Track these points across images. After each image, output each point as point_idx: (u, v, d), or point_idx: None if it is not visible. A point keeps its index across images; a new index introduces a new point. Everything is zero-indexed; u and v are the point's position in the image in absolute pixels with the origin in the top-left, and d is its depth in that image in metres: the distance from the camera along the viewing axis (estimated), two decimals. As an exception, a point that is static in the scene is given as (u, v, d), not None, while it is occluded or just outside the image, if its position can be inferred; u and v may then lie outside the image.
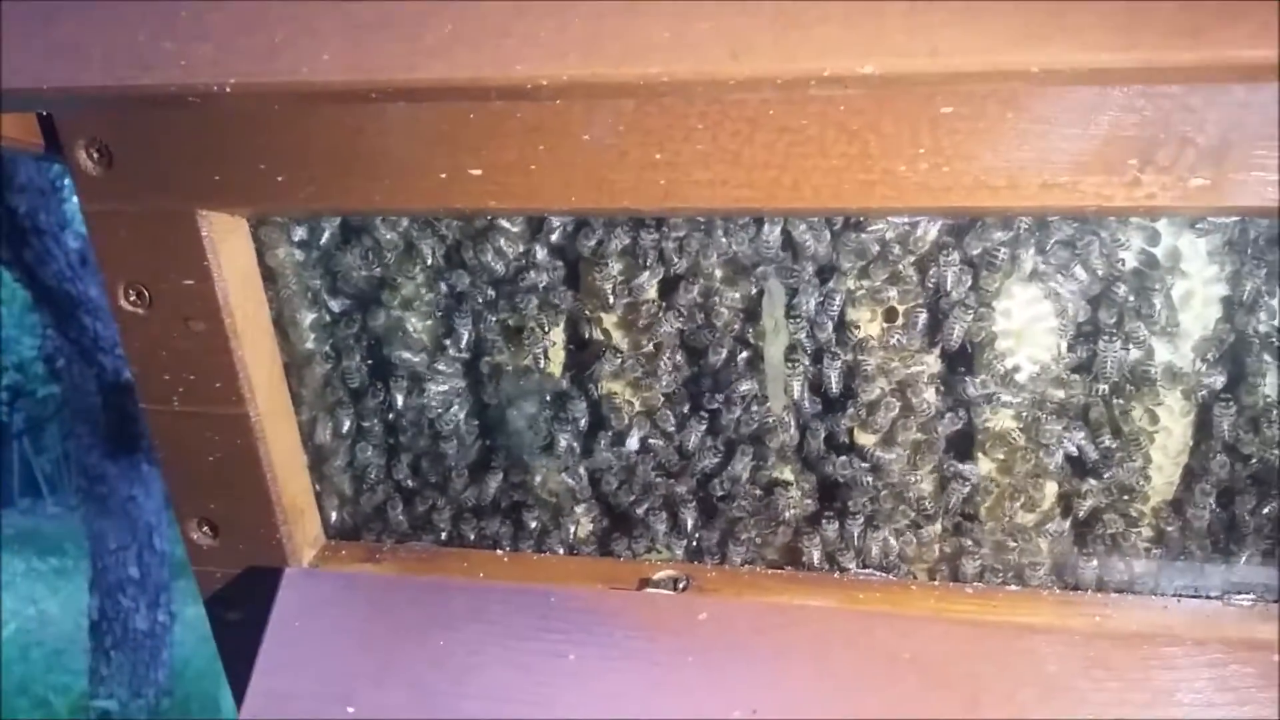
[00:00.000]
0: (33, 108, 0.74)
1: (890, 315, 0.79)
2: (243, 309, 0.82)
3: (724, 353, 0.81)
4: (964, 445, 0.82)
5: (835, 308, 0.78)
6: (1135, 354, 0.75)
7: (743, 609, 0.81)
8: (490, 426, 0.89)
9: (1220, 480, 0.77)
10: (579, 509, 0.89)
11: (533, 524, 0.89)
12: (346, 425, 0.89)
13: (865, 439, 0.82)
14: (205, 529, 0.89)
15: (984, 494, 0.81)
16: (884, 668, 0.76)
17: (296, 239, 0.84)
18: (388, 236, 0.82)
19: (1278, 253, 0.71)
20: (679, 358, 0.83)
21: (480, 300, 0.84)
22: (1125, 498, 0.79)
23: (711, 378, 0.83)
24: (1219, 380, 0.75)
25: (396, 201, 0.75)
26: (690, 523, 0.87)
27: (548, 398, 0.86)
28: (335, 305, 0.87)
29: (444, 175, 0.72)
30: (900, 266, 0.77)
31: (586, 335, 0.85)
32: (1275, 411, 0.75)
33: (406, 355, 0.86)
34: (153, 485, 4.25)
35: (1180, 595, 0.80)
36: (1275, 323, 0.73)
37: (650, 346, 0.83)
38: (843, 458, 0.82)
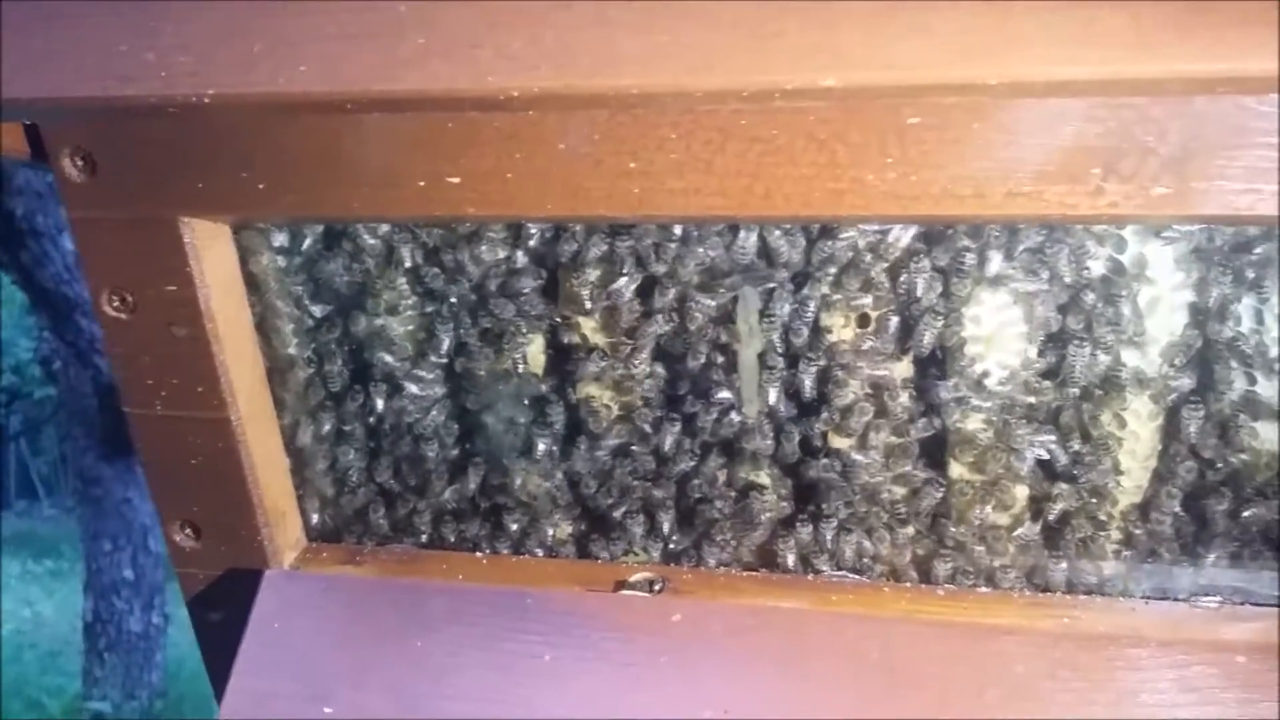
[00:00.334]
0: (17, 117, 0.75)
1: (863, 321, 0.80)
2: (225, 314, 0.83)
3: (699, 357, 0.82)
4: (937, 449, 0.83)
5: (809, 313, 0.79)
6: (1103, 359, 0.76)
7: (716, 610, 0.82)
8: (470, 430, 0.90)
9: (1187, 484, 0.79)
10: (557, 512, 0.90)
11: (512, 526, 0.91)
12: (327, 429, 0.90)
13: (839, 443, 0.83)
14: (188, 531, 0.90)
15: (956, 497, 0.83)
16: (854, 668, 0.77)
17: (279, 245, 0.85)
18: (369, 242, 0.83)
19: (1243, 259, 0.73)
20: (657, 366, 0.84)
21: (460, 305, 0.85)
22: (1094, 501, 0.80)
23: (687, 382, 0.84)
24: (1186, 385, 0.76)
25: (376, 209, 0.76)
26: (666, 526, 0.88)
27: (526, 401, 0.87)
28: (317, 310, 0.88)
29: (422, 183, 0.73)
30: (873, 273, 0.78)
31: (565, 340, 0.86)
32: (1241, 416, 0.76)
33: (387, 359, 0.87)
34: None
35: (1148, 597, 0.82)
36: (1241, 328, 0.74)
37: (627, 351, 0.83)
38: (817, 461, 0.83)
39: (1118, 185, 0.64)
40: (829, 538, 0.85)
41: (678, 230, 0.79)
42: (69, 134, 0.76)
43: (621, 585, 0.86)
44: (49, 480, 10.33)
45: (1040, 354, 0.77)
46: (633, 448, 0.87)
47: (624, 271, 0.81)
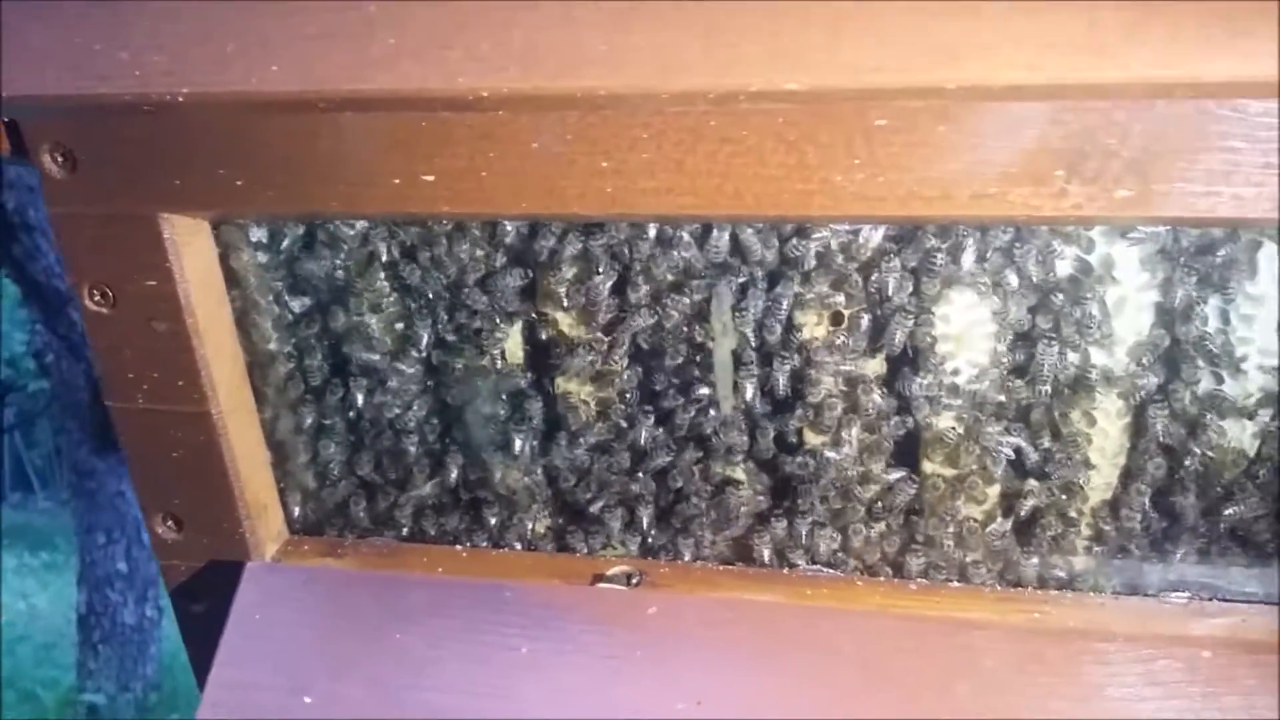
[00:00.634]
0: (-4, 113, 0.76)
1: (836, 319, 0.81)
2: (205, 309, 0.83)
3: (674, 354, 0.83)
4: (911, 446, 0.84)
5: (783, 311, 0.80)
6: (1072, 358, 0.77)
7: (691, 604, 0.83)
8: (449, 425, 0.91)
9: (1155, 481, 0.80)
10: (536, 506, 0.91)
11: (491, 520, 0.91)
12: (308, 423, 0.91)
13: (814, 439, 0.84)
14: (170, 523, 0.91)
15: (929, 493, 0.84)
16: (826, 661, 0.78)
17: (258, 241, 0.86)
18: (348, 237, 0.84)
19: (1208, 260, 0.73)
20: (633, 363, 0.85)
21: (438, 301, 0.86)
22: (1064, 498, 0.81)
23: (663, 378, 0.85)
24: (1153, 383, 0.77)
25: (352, 206, 0.77)
26: (644, 520, 0.89)
27: (505, 397, 0.88)
28: (296, 305, 0.88)
29: (398, 181, 0.74)
30: (845, 272, 0.78)
31: (543, 336, 0.87)
32: (1209, 414, 0.77)
33: (366, 355, 0.88)
34: (141, 480, 4.25)
35: (1118, 593, 0.83)
36: (1207, 328, 0.75)
37: (604, 347, 0.84)
38: (792, 457, 0.84)
39: (1081, 187, 0.65)
40: (804, 533, 0.86)
41: (652, 229, 0.79)
42: (48, 131, 0.76)
43: (599, 579, 0.87)
44: (44, 473, 10.34)
45: (1010, 352, 0.78)
46: (610, 443, 0.88)
47: (599, 269, 0.81)
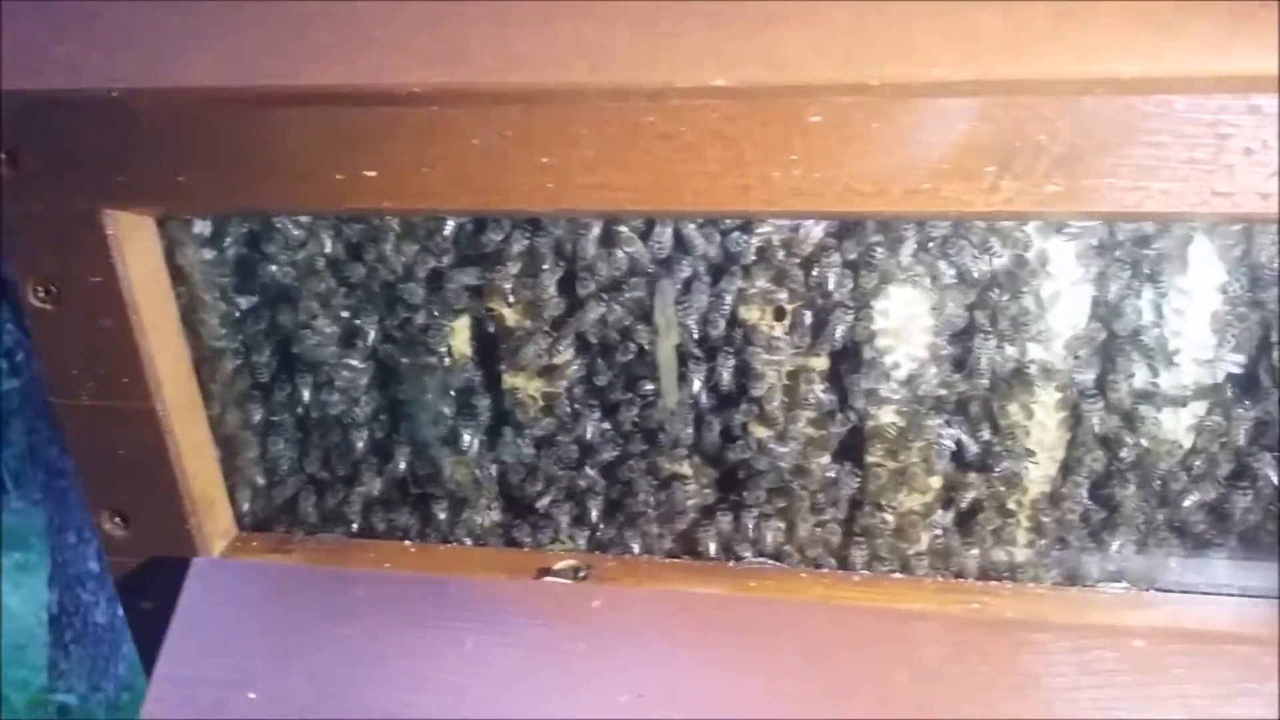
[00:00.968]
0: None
1: (779, 314, 0.82)
2: (149, 305, 0.83)
3: (619, 349, 0.84)
4: (854, 439, 0.85)
5: (726, 306, 0.81)
6: (1009, 352, 0.78)
7: (635, 597, 0.84)
8: (396, 420, 0.91)
9: (1093, 473, 0.81)
10: (484, 501, 0.91)
11: (439, 516, 0.92)
12: (255, 419, 0.91)
13: (759, 433, 0.85)
14: (117, 520, 0.91)
15: (871, 486, 0.84)
16: (766, 652, 0.79)
17: (204, 236, 0.86)
18: (293, 234, 0.84)
19: (1140, 254, 0.74)
20: (579, 358, 0.86)
21: (385, 297, 0.86)
22: (1004, 490, 0.82)
23: (609, 373, 0.85)
24: (1090, 376, 0.78)
25: (295, 202, 0.77)
26: (591, 514, 0.89)
27: (452, 392, 0.88)
28: (242, 301, 0.88)
29: (340, 176, 0.74)
30: (787, 267, 0.79)
31: (490, 331, 0.87)
32: (1144, 407, 0.78)
33: (312, 351, 0.88)
34: (111, 478, 4.22)
35: (1058, 584, 0.84)
36: (1141, 321, 0.76)
37: (550, 342, 0.85)
38: (736, 451, 0.85)
39: (1011, 182, 0.65)
40: (749, 526, 0.87)
41: (596, 224, 0.80)
42: (-11, 127, 0.76)
43: (545, 573, 0.87)
44: (17, 473, 10.26)
45: (948, 346, 0.79)
46: (557, 438, 0.88)
47: (544, 266, 0.82)
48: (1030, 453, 0.82)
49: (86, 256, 0.80)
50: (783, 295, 0.81)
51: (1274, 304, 0.74)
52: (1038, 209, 0.66)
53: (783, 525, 0.86)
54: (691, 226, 0.79)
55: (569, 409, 0.87)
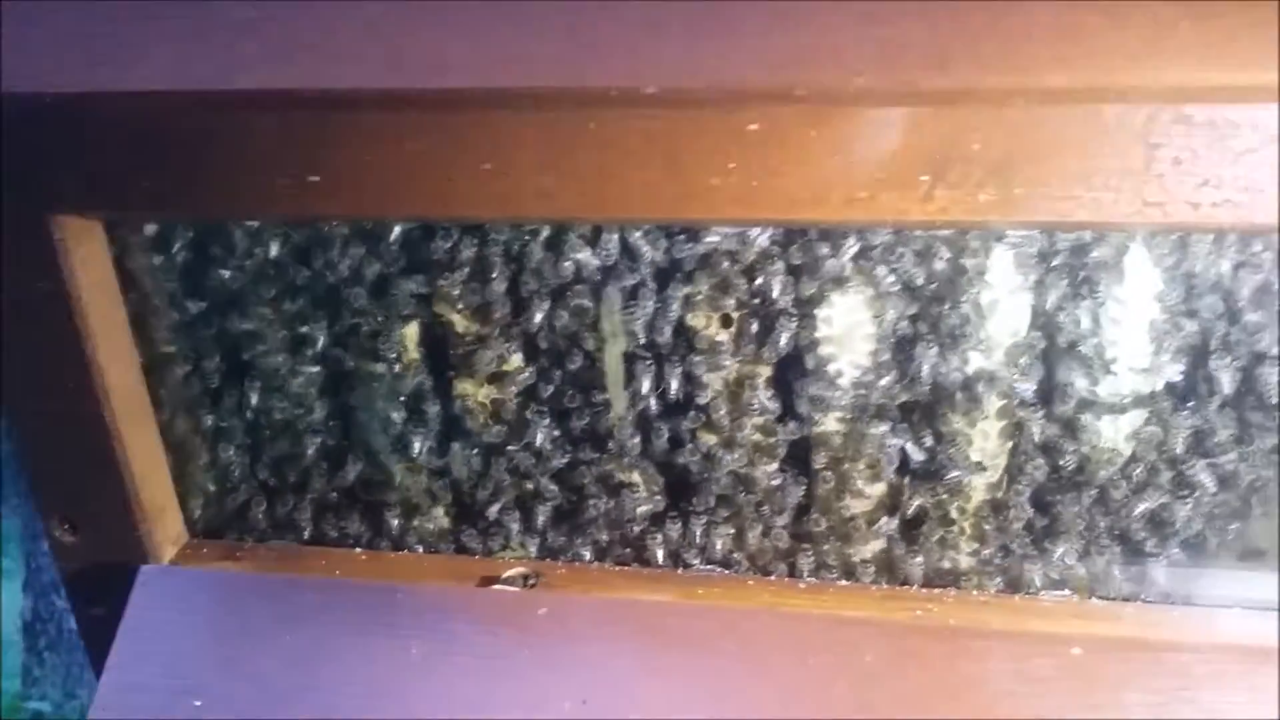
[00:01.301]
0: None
1: (726, 321, 0.82)
2: (97, 311, 0.83)
3: (567, 356, 0.84)
4: (801, 446, 0.85)
5: (672, 313, 0.81)
6: (950, 359, 0.78)
7: (581, 604, 0.84)
8: (346, 427, 0.91)
9: (1035, 481, 0.81)
10: (434, 508, 0.91)
11: (390, 523, 0.92)
12: (205, 425, 0.91)
13: (707, 440, 0.85)
14: (66, 526, 0.90)
15: (817, 493, 0.85)
16: (710, 658, 0.79)
17: (152, 242, 0.86)
18: (240, 239, 0.84)
19: (1077, 264, 0.75)
20: (528, 365, 0.86)
21: (333, 303, 0.86)
22: (947, 497, 0.83)
23: (557, 380, 0.86)
24: (1031, 384, 0.79)
25: (240, 207, 0.77)
26: (541, 522, 0.90)
27: (401, 399, 0.88)
28: (191, 307, 0.88)
29: (284, 182, 0.74)
30: (732, 275, 0.79)
31: (439, 338, 0.87)
32: (1085, 415, 0.79)
33: (260, 357, 0.88)
34: (86, 487, 4.21)
35: (1000, 591, 0.84)
36: (1080, 329, 0.77)
37: (499, 349, 0.85)
38: (685, 458, 0.85)
39: (946, 191, 0.66)
40: (697, 533, 0.87)
41: (544, 231, 0.80)
42: (-71, 133, 0.76)
43: (492, 580, 0.87)
44: (-4, 480, 10.19)
45: (890, 354, 0.79)
46: (506, 445, 0.88)
47: (493, 273, 0.82)
48: (979, 465, 0.82)
49: (32, 262, 0.80)
50: (729, 302, 0.81)
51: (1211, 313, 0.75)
52: (972, 217, 0.66)
53: (730, 533, 0.87)
54: (638, 234, 0.79)
55: (518, 416, 0.87)
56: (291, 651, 0.83)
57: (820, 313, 0.79)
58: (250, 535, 0.95)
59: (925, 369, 0.78)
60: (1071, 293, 0.76)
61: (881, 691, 0.76)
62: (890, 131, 0.65)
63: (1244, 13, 0.55)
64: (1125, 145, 0.63)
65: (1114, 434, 0.79)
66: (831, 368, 0.80)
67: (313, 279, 0.85)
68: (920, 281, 0.77)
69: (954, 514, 0.83)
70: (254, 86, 0.65)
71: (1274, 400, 0.76)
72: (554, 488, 0.89)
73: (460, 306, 0.84)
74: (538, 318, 0.83)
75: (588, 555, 0.90)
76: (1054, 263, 0.76)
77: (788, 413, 0.83)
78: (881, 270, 0.76)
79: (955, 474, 0.82)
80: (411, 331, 0.87)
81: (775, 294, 0.79)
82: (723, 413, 0.83)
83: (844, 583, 0.86)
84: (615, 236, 0.80)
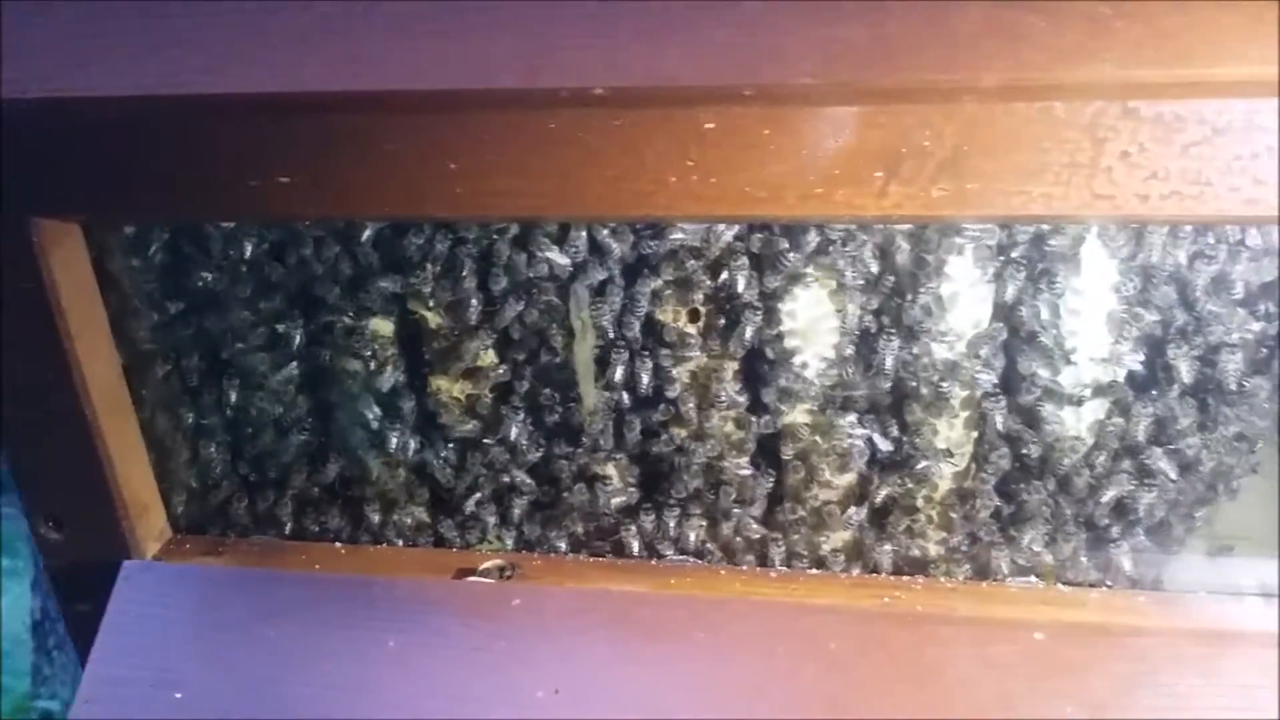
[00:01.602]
0: None
1: (694, 316, 0.83)
2: (77, 312, 0.84)
3: (538, 352, 0.85)
4: (769, 438, 0.86)
5: (640, 309, 0.82)
6: (913, 351, 0.79)
7: (555, 595, 0.85)
8: (325, 423, 0.93)
9: (999, 469, 0.82)
10: (412, 502, 0.93)
11: (369, 517, 0.93)
12: (186, 423, 0.93)
13: (677, 432, 0.86)
14: (51, 524, 0.92)
15: (786, 484, 0.86)
16: (681, 647, 0.80)
17: (131, 243, 0.87)
18: (217, 236, 0.86)
19: (1036, 256, 0.76)
20: (501, 360, 0.87)
21: (309, 301, 0.87)
22: (914, 487, 0.84)
23: (529, 375, 0.87)
24: (994, 375, 0.80)
25: (213, 209, 0.79)
26: (517, 514, 0.91)
27: (378, 395, 0.90)
28: (170, 307, 0.90)
29: (255, 184, 0.75)
30: (698, 270, 0.81)
31: (414, 335, 0.88)
32: (1048, 405, 0.80)
33: (238, 355, 0.89)
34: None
35: (968, 579, 0.85)
36: (1039, 321, 0.78)
37: (472, 345, 0.86)
38: (657, 451, 0.87)
39: (900, 187, 0.67)
40: (670, 525, 0.89)
41: (513, 229, 0.82)
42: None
43: (468, 573, 0.89)
44: (6, 479, 10.24)
45: (854, 346, 0.81)
46: (481, 439, 0.89)
47: (464, 271, 0.83)
48: (949, 453, 0.83)
49: (12, 264, 0.82)
50: (697, 297, 0.82)
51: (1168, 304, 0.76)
52: (926, 212, 0.68)
53: (702, 523, 0.88)
54: (605, 231, 0.80)
55: (492, 411, 0.89)
56: (271, 645, 0.84)
57: (785, 306, 0.80)
58: (233, 531, 0.96)
59: (888, 361, 0.79)
60: (1030, 285, 0.77)
61: (847, 677, 0.77)
62: (843, 129, 0.66)
63: (1180, 12, 0.56)
64: (1074, 140, 0.64)
65: (1076, 422, 0.80)
66: (797, 360, 0.81)
67: (287, 277, 0.87)
68: (879, 276, 0.78)
69: (922, 502, 0.84)
70: (222, 91, 0.66)
71: (1232, 387, 0.77)
72: (528, 481, 0.90)
73: (432, 304, 0.85)
74: (506, 314, 0.84)
75: (564, 546, 0.92)
76: (1011, 256, 0.77)
77: (757, 404, 0.84)
78: (842, 264, 0.77)
79: (921, 463, 0.83)
80: (386, 328, 0.88)
81: (740, 288, 0.80)
82: (691, 405, 0.84)
83: (814, 571, 0.87)
84: (583, 233, 0.81)
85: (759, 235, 0.78)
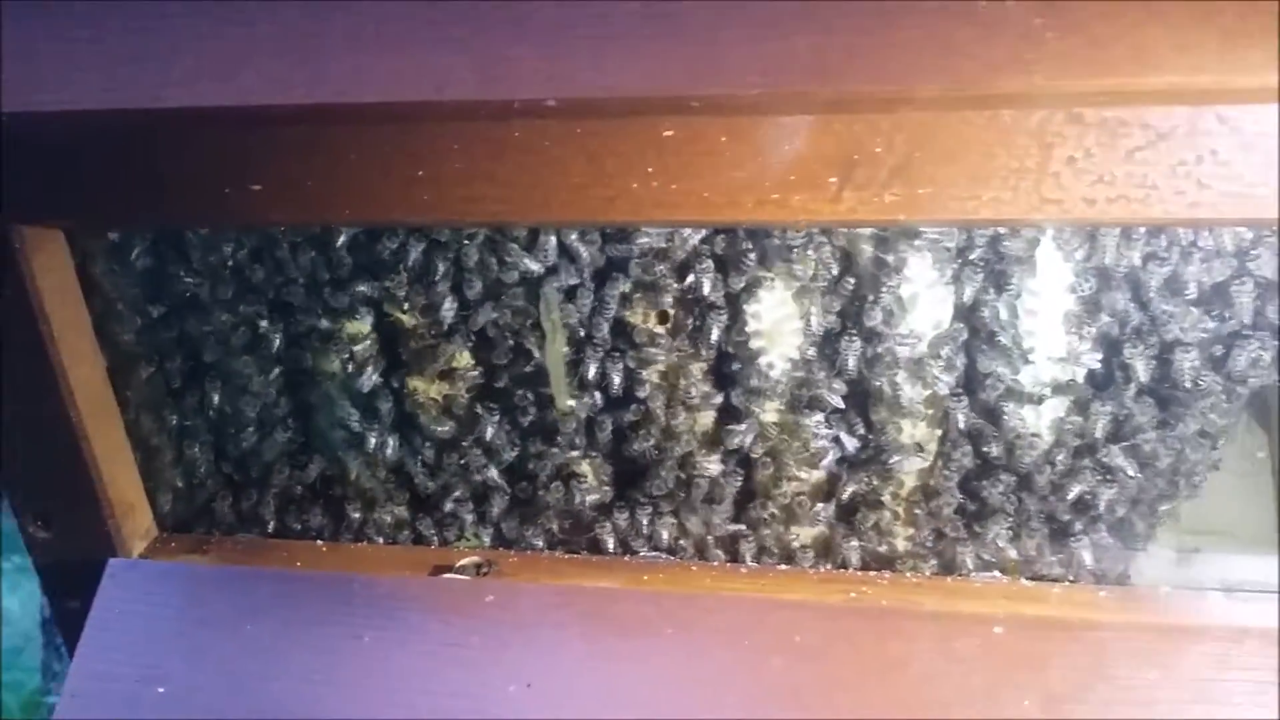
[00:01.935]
0: None
1: (663, 317, 0.85)
2: (60, 316, 0.87)
3: (511, 354, 0.87)
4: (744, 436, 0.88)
5: (610, 311, 0.84)
6: (876, 351, 0.81)
7: (528, 591, 0.87)
8: (304, 424, 0.95)
9: (962, 466, 0.84)
10: (391, 500, 0.95)
11: (349, 516, 0.95)
12: (170, 424, 0.95)
13: (649, 432, 0.88)
14: (39, 523, 0.94)
15: (755, 481, 0.88)
16: (650, 641, 0.82)
17: (112, 248, 0.89)
18: (195, 242, 0.88)
19: (992, 258, 0.78)
20: (476, 362, 0.89)
21: (287, 305, 0.89)
22: (880, 484, 0.85)
23: (503, 376, 0.89)
24: (955, 374, 0.81)
25: (188, 216, 0.81)
26: (494, 512, 0.93)
27: (357, 396, 0.92)
28: (153, 311, 0.92)
29: (228, 191, 0.77)
30: (666, 273, 0.82)
31: (391, 337, 0.90)
32: (1009, 404, 0.82)
33: (219, 358, 0.91)
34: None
35: (935, 574, 0.87)
36: (998, 321, 0.79)
37: (447, 347, 0.88)
38: (630, 450, 0.88)
39: (853, 192, 0.69)
40: (644, 522, 0.90)
41: (481, 234, 0.83)
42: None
43: (445, 569, 0.91)
44: (17, 475, 10.28)
45: (817, 347, 0.82)
46: (457, 439, 0.91)
47: (436, 275, 0.85)
48: (919, 448, 0.85)
49: (-3, 270, 0.84)
50: (666, 299, 0.84)
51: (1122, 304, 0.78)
52: (880, 217, 0.69)
53: (674, 520, 0.90)
54: (574, 235, 0.82)
55: (468, 411, 0.90)
56: (252, 641, 0.86)
57: (749, 308, 0.82)
58: (217, 529, 0.98)
59: (850, 361, 0.81)
60: (987, 286, 0.78)
61: (812, 670, 0.79)
62: (797, 137, 0.68)
63: (1110, 24, 0.57)
64: (1022, 146, 0.65)
65: (1036, 420, 0.82)
66: (762, 361, 0.83)
67: (266, 281, 0.88)
68: (840, 277, 0.79)
69: (887, 499, 0.86)
70: (194, 105, 0.68)
71: (1187, 385, 0.78)
72: (504, 480, 0.92)
73: (407, 307, 0.87)
74: (479, 317, 0.86)
75: (540, 544, 0.94)
76: (969, 258, 0.78)
77: (726, 403, 0.86)
78: (805, 265, 0.79)
79: (886, 460, 0.84)
80: (363, 330, 0.90)
81: (706, 291, 0.81)
82: (661, 404, 0.86)
83: (784, 567, 0.89)
84: (552, 238, 0.83)
85: (724, 237, 0.80)
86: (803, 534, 0.88)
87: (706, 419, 0.87)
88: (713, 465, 0.88)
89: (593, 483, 0.91)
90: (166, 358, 0.94)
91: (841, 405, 0.83)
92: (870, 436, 0.84)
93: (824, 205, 0.70)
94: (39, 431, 0.90)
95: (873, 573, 0.88)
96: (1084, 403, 0.81)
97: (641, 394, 0.86)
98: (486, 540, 0.95)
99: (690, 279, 0.82)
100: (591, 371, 0.86)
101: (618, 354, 0.86)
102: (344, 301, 0.88)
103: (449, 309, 0.86)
